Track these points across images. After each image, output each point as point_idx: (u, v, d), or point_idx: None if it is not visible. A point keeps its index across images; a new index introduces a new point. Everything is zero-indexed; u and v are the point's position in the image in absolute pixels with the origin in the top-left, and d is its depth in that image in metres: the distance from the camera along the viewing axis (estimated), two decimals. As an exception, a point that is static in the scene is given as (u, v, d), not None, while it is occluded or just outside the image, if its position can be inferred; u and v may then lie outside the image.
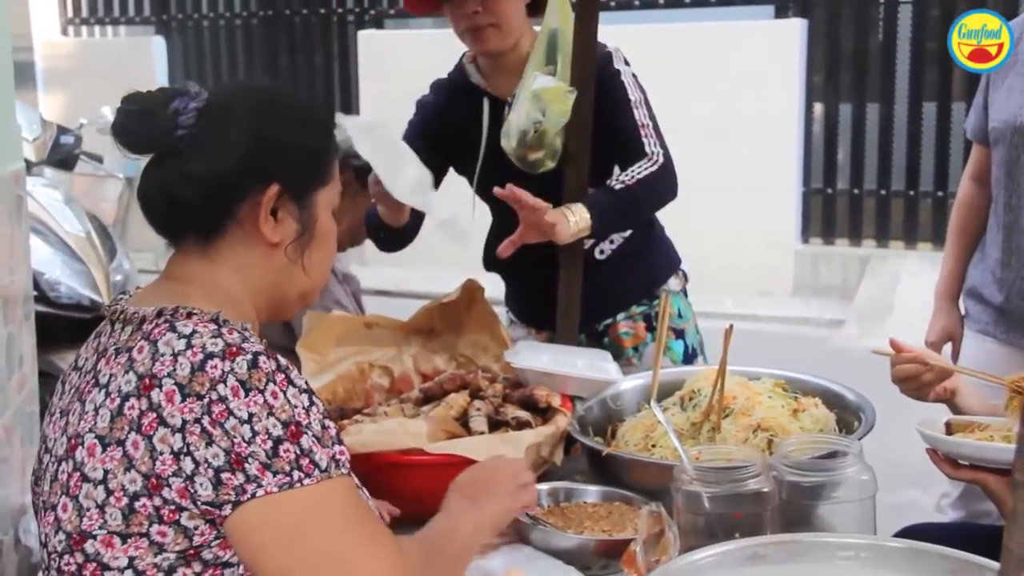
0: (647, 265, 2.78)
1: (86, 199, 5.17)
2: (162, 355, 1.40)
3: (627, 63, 2.66)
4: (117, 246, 4.31)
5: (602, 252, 2.69)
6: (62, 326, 3.91)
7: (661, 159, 2.56)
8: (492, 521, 1.70)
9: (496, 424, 2.18)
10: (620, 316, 2.77)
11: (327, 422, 1.43)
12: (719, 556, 1.61)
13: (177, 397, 1.37)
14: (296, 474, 1.36)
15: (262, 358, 1.40)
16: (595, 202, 2.49)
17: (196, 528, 1.38)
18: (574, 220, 2.44)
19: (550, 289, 2.67)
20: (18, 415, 2.70)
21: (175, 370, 1.38)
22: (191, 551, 1.40)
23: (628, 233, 2.70)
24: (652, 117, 2.62)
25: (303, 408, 1.40)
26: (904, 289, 6.86)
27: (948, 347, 2.92)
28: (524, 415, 2.17)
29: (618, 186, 2.52)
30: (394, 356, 2.45)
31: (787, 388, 2.29)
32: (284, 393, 1.39)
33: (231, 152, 1.51)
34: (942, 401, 2.13)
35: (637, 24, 7.29)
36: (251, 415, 1.36)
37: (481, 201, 2.79)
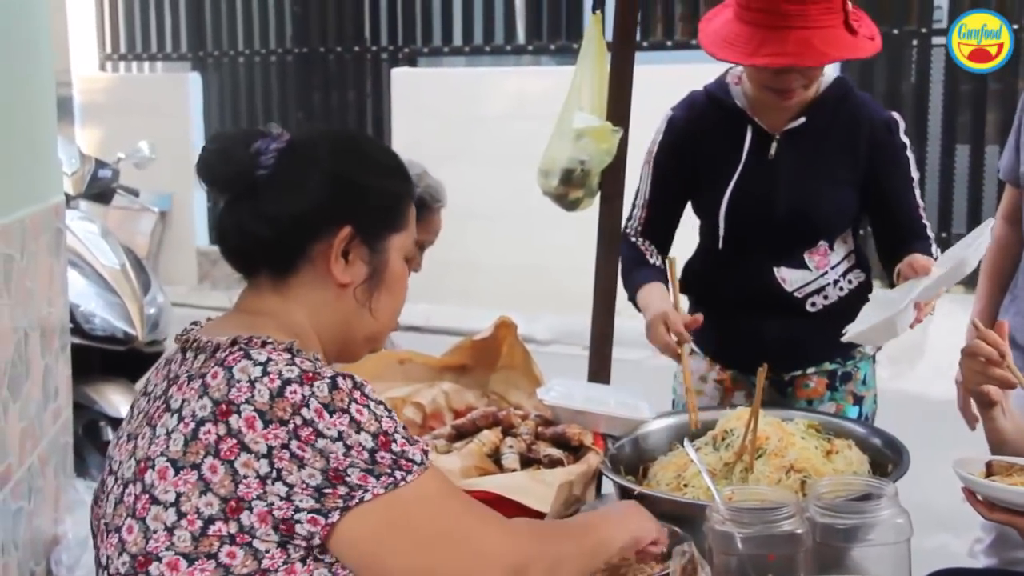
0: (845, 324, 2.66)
1: (120, 232, 5.22)
2: (238, 381, 1.43)
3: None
4: (151, 279, 4.34)
5: (814, 305, 2.60)
6: (96, 358, 3.94)
7: (935, 240, 2.60)
8: (630, 533, 1.71)
9: (528, 461, 2.18)
10: (811, 370, 2.68)
11: (406, 432, 1.49)
12: (752, 597, 1.61)
13: (259, 424, 1.40)
14: (398, 474, 1.42)
15: (339, 379, 1.44)
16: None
17: (267, 551, 1.41)
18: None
19: (748, 329, 2.60)
20: (52, 446, 2.72)
21: (253, 396, 1.41)
22: (258, 573, 1.42)
23: (845, 292, 2.63)
24: (921, 196, 2.64)
25: (387, 416, 1.45)
26: (936, 331, 6.80)
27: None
28: (556, 453, 2.17)
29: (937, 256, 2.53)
30: (427, 392, 2.45)
31: (820, 429, 2.28)
32: (367, 408, 1.44)
33: (307, 192, 1.56)
34: (981, 401, 2.09)
35: (671, 64, 7.32)
36: (341, 433, 1.41)
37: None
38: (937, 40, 7.29)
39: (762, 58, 2.34)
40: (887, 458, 2.19)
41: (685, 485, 2.12)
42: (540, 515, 1.98)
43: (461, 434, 2.29)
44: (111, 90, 9.87)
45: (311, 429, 1.40)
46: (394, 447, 1.43)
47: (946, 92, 7.25)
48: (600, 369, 2.76)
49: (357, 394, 1.44)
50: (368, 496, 1.40)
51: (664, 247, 2.70)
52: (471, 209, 7.50)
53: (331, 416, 1.41)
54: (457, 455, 2.13)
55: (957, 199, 7.36)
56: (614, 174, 2.56)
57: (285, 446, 1.39)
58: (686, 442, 2.16)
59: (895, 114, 2.59)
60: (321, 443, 1.39)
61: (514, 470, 2.12)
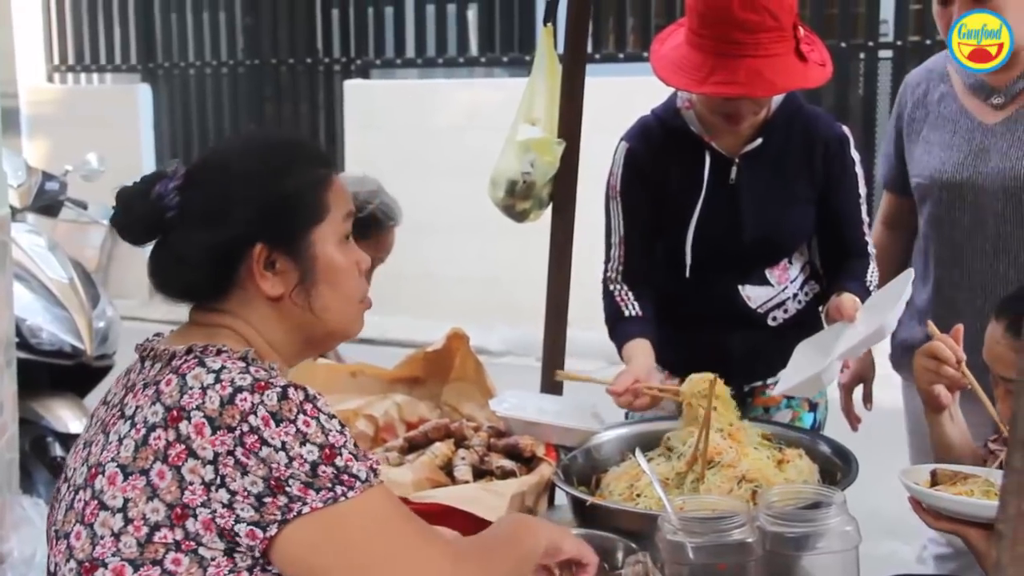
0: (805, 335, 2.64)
1: (69, 245, 5.16)
2: (190, 388, 1.43)
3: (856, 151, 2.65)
4: (100, 293, 4.29)
5: (775, 319, 2.62)
6: (44, 373, 3.89)
7: (874, 258, 2.63)
8: (552, 540, 1.67)
9: (481, 473, 2.18)
10: (770, 380, 2.66)
11: (356, 449, 1.47)
12: (704, 607, 1.62)
13: (207, 430, 1.40)
14: (339, 488, 1.41)
15: (291, 389, 1.44)
16: (862, 300, 2.47)
17: (213, 559, 1.40)
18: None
19: (710, 344, 2.59)
20: (-2, 462, 2.68)
21: (204, 403, 1.41)
22: None
23: (803, 305, 2.65)
24: (867, 213, 2.65)
25: (337, 431, 1.44)
26: (883, 343, 6.89)
27: (859, 388, 2.94)
28: (509, 464, 2.17)
29: (870, 287, 2.56)
30: (379, 404, 2.44)
31: (771, 439, 2.30)
32: (316, 420, 1.43)
33: (211, 223, 1.55)
34: (931, 404, 2.13)
35: (624, 77, 7.36)
36: (284, 443, 1.39)
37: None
38: (884, 53, 7.40)
39: (711, 86, 2.33)
40: (836, 466, 2.21)
41: (638, 495, 2.13)
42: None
43: (413, 446, 2.29)
44: (59, 101, 9.76)
45: (256, 437, 1.39)
46: (338, 461, 1.42)
47: (893, 104, 7.34)
48: (553, 380, 2.76)
49: (308, 406, 1.43)
50: (306, 509, 1.39)
51: (649, 283, 2.65)
52: (424, 221, 7.49)
53: (277, 425, 1.40)
54: (409, 467, 2.12)
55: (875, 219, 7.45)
56: (565, 186, 2.57)
57: (230, 452, 1.39)
58: (637, 452, 2.17)
59: (846, 129, 2.62)
60: (265, 451, 1.39)
61: (466, 482, 2.12)
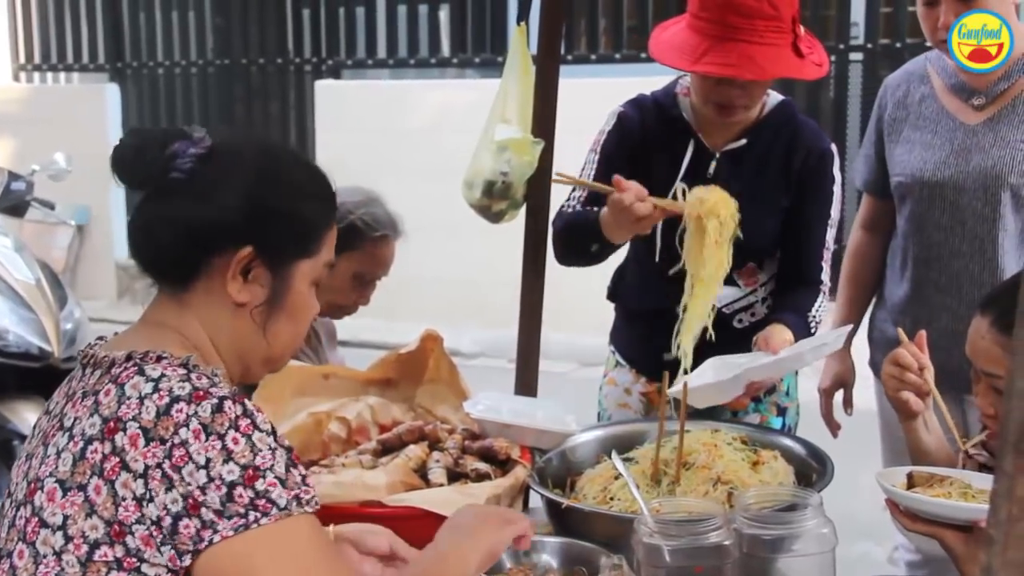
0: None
1: (36, 246, 5.11)
2: (128, 398, 1.39)
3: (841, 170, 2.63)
4: (68, 294, 4.25)
5: (741, 322, 2.62)
6: (10, 375, 3.84)
7: (827, 292, 2.60)
8: (484, 552, 1.63)
9: (455, 476, 2.16)
10: None
11: (294, 465, 1.41)
12: (680, 610, 1.61)
13: (141, 441, 1.36)
14: (252, 515, 1.35)
15: (227, 402, 1.39)
16: (797, 333, 2.46)
17: None
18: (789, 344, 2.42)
19: (669, 337, 2.54)
20: (-37, 465, 2.64)
21: (140, 413, 1.37)
22: None
23: (770, 311, 2.63)
24: (833, 240, 2.62)
25: (267, 450, 1.38)
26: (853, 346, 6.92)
27: (840, 394, 2.95)
28: (483, 467, 2.15)
29: (812, 323, 2.54)
30: (352, 406, 2.42)
31: (746, 441, 2.30)
32: (247, 438, 1.37)
33: (216, 205, 1.51)
34: (903, 411, 2.13)
35: (595, 78, 7.36)
36: (208, 460, 1.35)
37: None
38: (855, 56, 7.44)
39: (703, 65, 2.36)
40: (812, 468, 2.21)
41: (612, 498, 2.12)
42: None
43: (387, 449, 2.26)
44: (25, 101, 9.66)
45: (184, 451, 1.35)
46: (258, 485, 1.36)
47: (863, 107, 7.39)
48: (527, 382, 2.75)
49: (243, 421, 1.39)
50: (216, 538, 1.34)
51: None
52: (396, 222, 7.46)
53: (206, 439, 1.36)
54: (383, 470, 2.10)
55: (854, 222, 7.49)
56: (539, 186, 2.56)
57: (159, 466, 1.35)
58: (614, 454, 2.17)
59: (833, 146, 2.61)
60: (188, 468, 1.34)
61: (441, 485, 2.10)
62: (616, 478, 2.13)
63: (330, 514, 1.93)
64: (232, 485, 1.35)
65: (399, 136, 7.83)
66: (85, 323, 4.21)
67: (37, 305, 4.00)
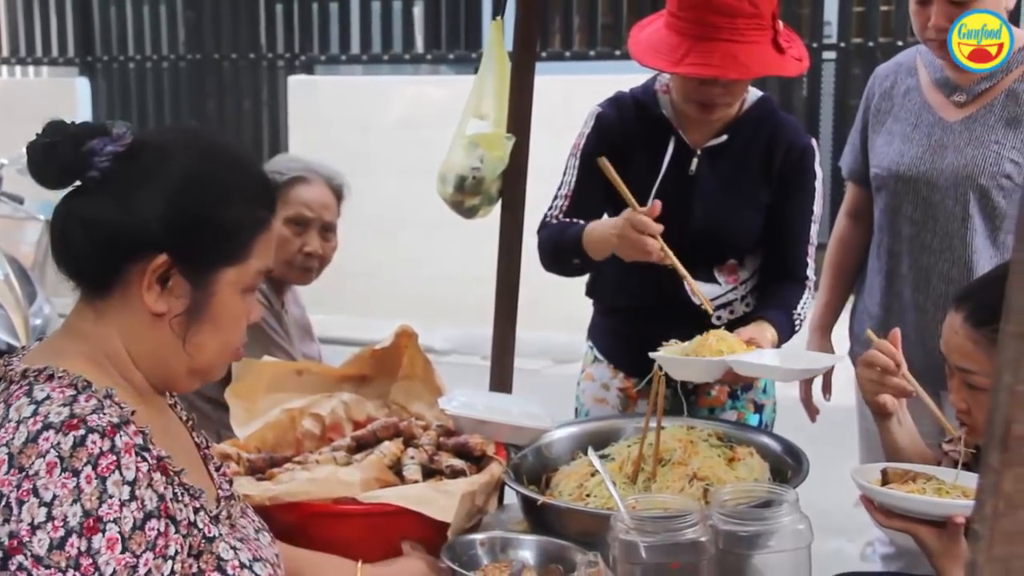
0: None
1: (5, 241, 5.06)
2: (8, 421, 1.32)
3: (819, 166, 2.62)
4: (37, 290, 4.21)
5: (719, 318, 2.60)
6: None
7: (813, 287, 2.60)
8: None
9: (430, 472, 2.14)
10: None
11: (156, 525, 1.31)
12: (657, 606, 1.60)
13: (4, 468, 1.28)
14: (71, 573, 1.24)
15: (93, 436, 1.29)
16: (781, 331, 2.47)
17: None
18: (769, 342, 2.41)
19: (653, 339, 2.48)
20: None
21: (13, 439, 1.30)
22: None
23: (751, 308, 2.62)
24: (816, 235, 2.61)
25: (119, 501, 1.28)
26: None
27: (819, 379, 2.95)
28: (458, 463, 2.14)
29: (796, 320, 2.54)
30: (325, 403, 2.40)
31: (723, 438, 2.29)
32: (103, 480, 1.27)
33: (132, 208, 1.41)
34: (878, 412, 2.14)
35: (570, 75, 7.37)
36: (54, 497, 1.25)
37: None
38: (828, 55, 7.47)
39: (685, 67, 2.35)
40: (787, 465, 2.20)
41: (588, 495, 2.11)
42: (444, 526, 1.95)
43: (361, 445, 2.24)
44: (-6, 95, 9.57)
45: (31, 485, 1.25)
46: (95, 540, 1.25)
47: (836, 105, 7.43)
48: (501, 379, 2.74)
49: (105, 460, 1.28)
50: None
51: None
52: (369, 219, 7.44)
53: (60, 474, 1.26)
54: (357, 467, 2.08)
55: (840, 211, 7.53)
56: (515, 182, 2.55)
57: (6, 495, 1.26)
58: (590, 451, 2.16)
59: (814, 142, 2.60)
60: (29, 503, 1.25)
61: (416, 481, 2.08)
62: (592, 475, 2.13)
63: (303, 511, 1.93)
64: (68, 532, 1.24)
65: (373, 132, 7.80)
66: (55, 319, 4.17)
67: (6, 301, 3.96)
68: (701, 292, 2.35)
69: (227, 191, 1.49)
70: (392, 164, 7.57)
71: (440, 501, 1.97)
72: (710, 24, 2.31)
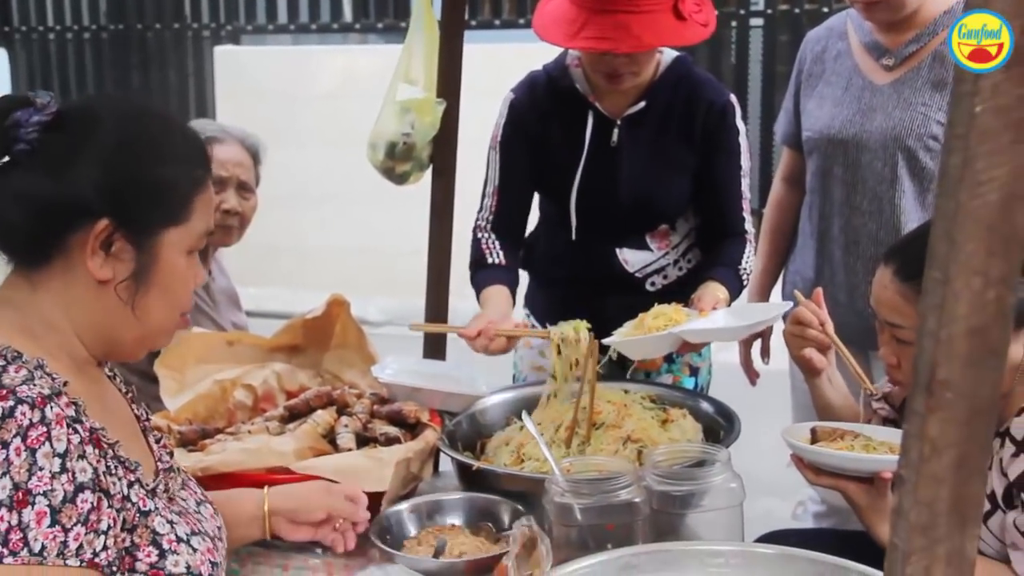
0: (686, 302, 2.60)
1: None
2: None
3: (745, 121, 2.61)
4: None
5: (653, 284, 2.60)
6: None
7: (753, 240, 2.59)
8: None
9: (364, 440, 2.14)
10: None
11: (88, 498, 1.28)
12: (592, 567, 1.62)
13: None
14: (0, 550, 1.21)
15: (23, 408, 1.26)
16: (731, 288, 2.48)
17: None
18: (724, 303, 2.42)
19: (588, 307, 2.49)
20: None
21: None
22: None
23: (684, 272, 2.63)
24: (748, 189, 2.61)
25: (49, 474, 1.25)
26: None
27: (758, 343, 2.99)
28: (393, 431, 2.13)
29: (743, 275, 2.54)
30: (257, 373, 2.37)
31: (656, 400, 2.31)
32: (32, 452, 1.24)
33: (64, 178, 1.38)
34: (807, 369, 2.17)
35: (499, 44, 7.33)
36: None
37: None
38: (755, 22, 7.52)
39: (581, 41, 2.33)
40: (719, 426, 2.23)
41: (523, 459, 2.12)
42: (379, 496, 1.95)
43: (294, 415, 2.23)
44: (-92, 67, 9.29)
45: None
46: (24, 514, 1.22)
47: (764, 72, 7.49)
48: (435, 347, 2.73)
49: (35, 431, 1.25)
50: None
51: (517, 236, 2.66)
52: (298, 191, 7.37)
53: None
54: (291, 436, 2.07)
55: (775, 176, 7.61)
56: (445, 149, 2.54)
57: None
58: (524, 415, 2.16)
59: (733, 97, 2.59)
60: None
61: (350, 449, 2.07)
62: (526, 441, 2.13)
63: (236, 481, 1.91)
64: None
65: (300, 103, 7.71)
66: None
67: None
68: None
69: (161, 151, 1.47)
70: (322, 135, 7.49)
71: (374, 471, 1.97)
72: None
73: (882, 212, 2.67)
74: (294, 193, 7.20)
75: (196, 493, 1.62)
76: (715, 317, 2.33)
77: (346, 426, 2.14)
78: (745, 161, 2.60)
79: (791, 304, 2.47)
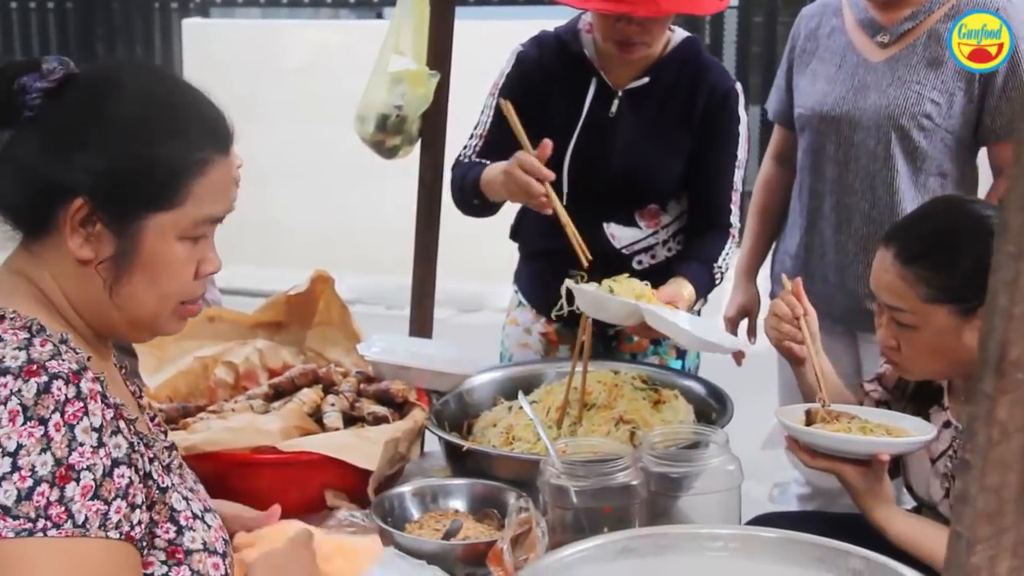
0: None
1: None
2: None
3: (746, 110, 2.55)
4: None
5: (640, 263, 2.55)
6: None
7: (737, 235, 2.54)
8: None
9: (351, 420, 2.10)
10: None
11: (124, 472, 1.26)
12: (589, 551, 1.58)
13: None
14: (41, 522, 1.19)
15: (58, 383, 1.24)
16: (700, 286, 2.42)
17: None
18: (686, 301, 2.35)
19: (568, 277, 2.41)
20: None
21: None
22: None
23: (673, 253, 2.58)
24: (741, 181, 2.55)
25: (90, 448, 1.23)
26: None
27: (745, 323, 2.97)
28: (381, 410, 2.10)
29: (716, 274, 2.49)
30: (239, 350, 2.32)
31: (647, 381, 2.28)
32: (71, 427, 1.22)
33: (51, 149, 1.34)
34: (790, 358, 2.14)
35: (492, 20, 7.26)
36: (19, 447, 1.20)
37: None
38: (731, 1, 7.50)
39: (595, 3, 2.30)
40: (711, 407, 2.21)
41: (514, 439, 2.08)
42: (366, 474, 1.91)
43: (279, 393, 2.19)
44: None
45: None
46: (67, 488, 1.21)
47: (738, 52, 7.47)
48: (421, 323, 2.69)
49: (71, 407, 1.23)
50: None
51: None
52: (267, 167, 7.24)
53: (24, 423, 1.21)
54: (276, 415, 2.02)
55: (751, 156, 7.61)
56: (434, 123, 2.49)
57: None
58: (520, 395, 2.13)
59: (738, 85, 2.55)
60: None
61: (337, 429, 2.03)
62: (516, 421, 2.10)
63: (221, 461, 1.87)
64: (37, 481, 1.20)
65: (270, 78, 7.60)
66: None
67: None
68: (582, 243, 2.28)
69: (157, 133, 1.38)
70: (291, 111, 7.39)
71: (363, 448, 1.94)
72: None
73: (875, 191, 2.65)
74: (262, 170, 7.05)
75: (191, 472, 1.58)
76: (681, 316, 2.28)
77: (332, 405, 2.10)
78: (742, 151, 2.56)
79: (749, 345, 2.42)
